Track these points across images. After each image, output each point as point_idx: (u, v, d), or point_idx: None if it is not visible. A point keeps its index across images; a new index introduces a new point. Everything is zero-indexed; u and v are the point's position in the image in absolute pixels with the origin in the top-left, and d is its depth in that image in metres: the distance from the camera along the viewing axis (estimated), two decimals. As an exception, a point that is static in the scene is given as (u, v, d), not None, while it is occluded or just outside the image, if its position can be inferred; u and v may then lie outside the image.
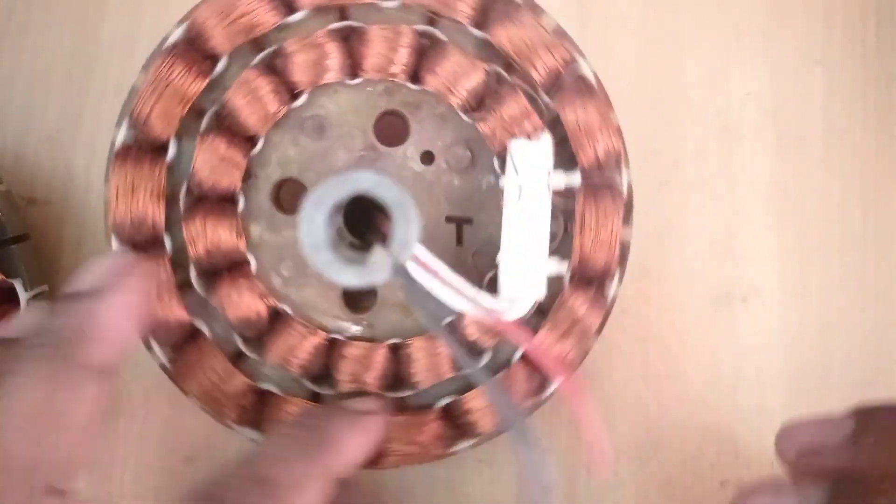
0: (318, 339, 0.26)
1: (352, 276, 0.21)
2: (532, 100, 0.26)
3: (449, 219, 0.27)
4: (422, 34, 0.26)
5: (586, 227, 0.26)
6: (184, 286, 0.26)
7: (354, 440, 0.23)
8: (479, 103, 0.26)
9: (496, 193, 0.26)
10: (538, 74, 0.26)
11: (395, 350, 0.26)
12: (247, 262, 0.26)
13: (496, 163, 0.26)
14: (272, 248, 0.27)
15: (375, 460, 0.26)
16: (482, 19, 0.26)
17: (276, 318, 0.26)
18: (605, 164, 0.26)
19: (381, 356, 0.26)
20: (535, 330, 0.26)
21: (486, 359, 0.26)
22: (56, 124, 0.30)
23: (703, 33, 0.32)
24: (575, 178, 0.25)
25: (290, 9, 0.26)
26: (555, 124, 0.26)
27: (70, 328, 0.20)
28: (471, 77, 0.26)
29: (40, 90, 0.30)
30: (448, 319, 0.26)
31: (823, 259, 0.31)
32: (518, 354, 0.26)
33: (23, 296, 0.27)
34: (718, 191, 0.31)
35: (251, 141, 0.26)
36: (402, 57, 0.26)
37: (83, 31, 0.31)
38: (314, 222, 0.20)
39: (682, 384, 0.30)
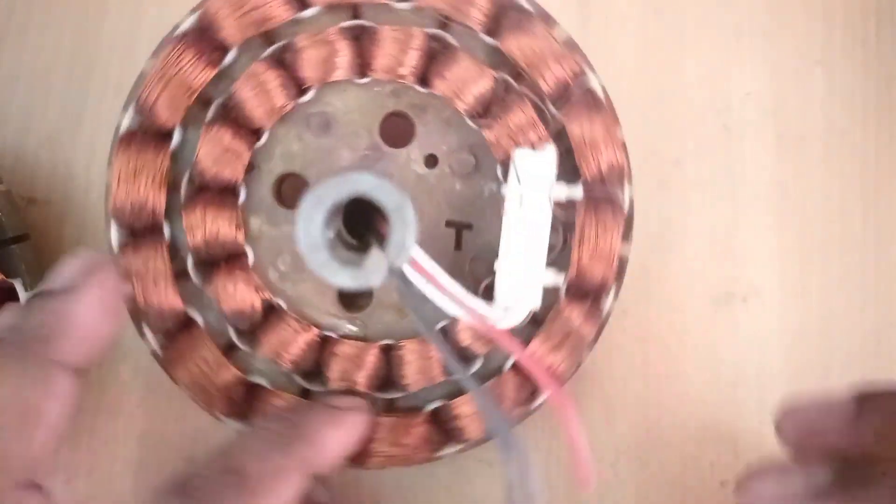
0: (311, 335, 0.26)
1: (347, 278, 0.21)
2: (539, 110, 0.26)
3: (449, 223, 0.27)
4: (433, 37, 0.26)
5: (585, 241, 0.26)
6: (180, 275, 0.26)
7: (334, 436, 0.23)
8: (486, 110, 0.26)
9: (497, 201, 0.26)
10: (546, 85, 0.26)
11: (387, 351, 0.26)
12: (244, 255, 0.26)
13: (499, 170, 0.26)
14: (270, 242, 0.27)
15: (360, 460, 0.26)
16: (494, 26, 0.26)
17: (271, 312, 0.26)
18: (608, 178, 0.26)
19: (372, 356, 0.26)
20: (528, 340, 0.26)
21: (477, 365, 0.26)
22: (56, 124, 0.30)
23: (703, 33, 0.32)
24: (577, 191, 0.25)
25: (303, 4, 0.26)
26: (560, 136, 0.26)
27: (42, 326, 0.20)
28: (479, 83, 0.26)
29: (40, 90, 0.30)
30: (441, 324, 0.26)
31: (823, 259, 0.31)
32: (509, 363, 0.26)
33: (23, 296, 0.27)
34: (719, 191, 0.31)
35: (256, 133, 0.26)
36: (412, 59, 0.26)
37: (83, 31, 0.31)
38: (312, 221, 0.20)
39: (682, 384, 0.30)
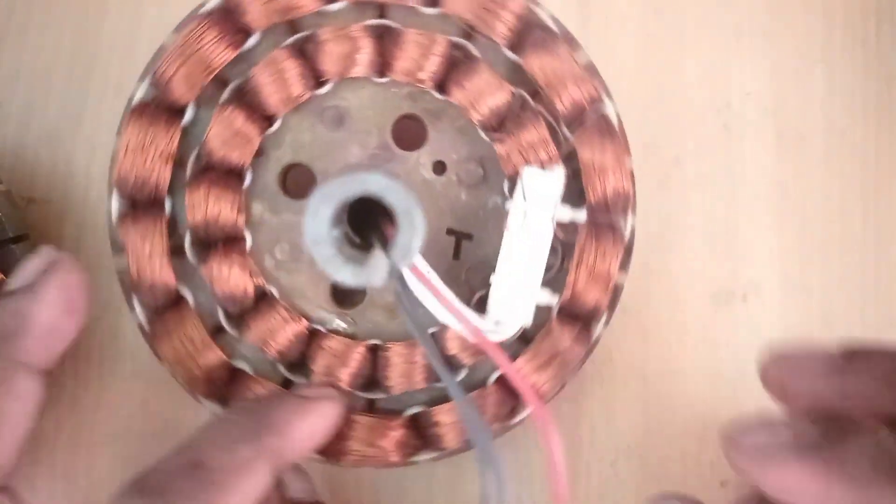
0: (299, 326, 0.26)
1: (349, 275, 0.21)
2: (552, 130, 0.26)
3: (450, 231, 0.27)
4: (455, 46, 0.26)
5: (583, 264, 0.26)
6: (176, 252, 0.26)
7: (303, 425, 0.23)
8: (500, 124, 0.26)
9: (500, 215, 0.27)
10: (563, 106, 0.26)
11: (374, 351, 0.26)
12: (243, 239, 0.26)
13: (506, 185, 0.26)
14: (270, 229, 0.27)
15: (335, 456, 0.25)
16: (517, 43, 0.26)
17: (262, 299, 0.26)
18: (613, 205, 0.26)
19: (358, 354, 0.26)
20: (515, 356, 0.26)
21: (461, 375, 0.26)
22: (56, 124, 0.30)
23: (703, 33, 0.32)
24: (580, 214, 0.25)
25: (331, -2, 0.26)
26: (570, 158, 0.26)
27: (1, 326, 0.20)
28: (496, 96, 0.26)
29: (40, 90, 0.30)
30: (431, 331, 0.26)
31: (824, 258, 0.31)
32: (494, 377, 0.26)
33: None
34: (719, 190, 0.31)
35: (269, 120, 0.26)
36: (433, 64, 0.26)
37: (83, 31, 0.31)
38: (319, 216, 0.20)
39: (682, 383, 0.30)
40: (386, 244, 0.21)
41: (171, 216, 0.26)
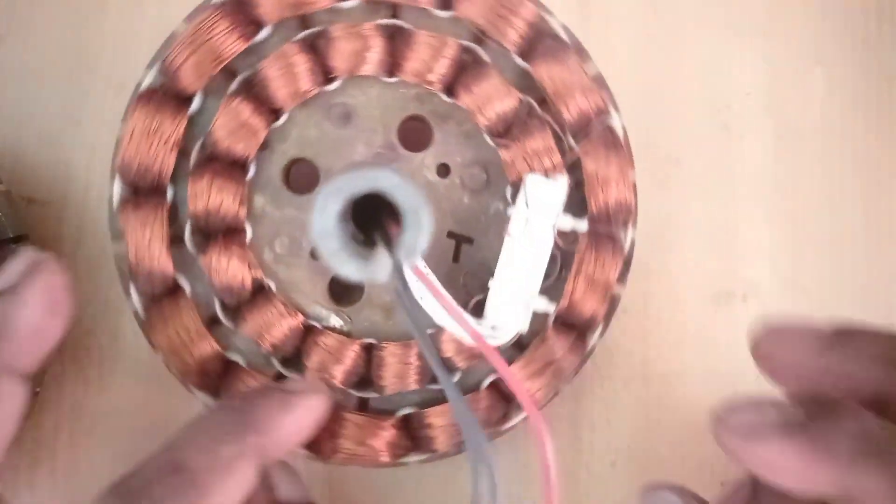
0: (295, 321, 0.26)
1: (354, 270, 0.21)
2: (558, 139, 0.26)
3: (450, 234, 0.27)
4: (466, 50, 0.26)
5: (581, 274, 0.26)
6: (175, 240, 0.26)
7: (287, 421, 0.22)
8: (506, 130, 0.26)
9: (501, 220, 0.27)
10: (569, 116, 0.26)
11: (369, 350, 0.26)
12: (243, 231, 0.26)
13: (508, 191, 0.26)
14: (271, 223, 0.26)
15: (324, 452, 0.25)
16: (528, 50, 0.26)
17: (259, 292, 0.26)
18: (614, 217, 0.26)
19: (353, 352, 0.26)
20: (510, 362, 0.26)
21: (455, 379, 0.26)
22: (56, 124, 0.30)
23: (702, 33, 0.32)
24: (582, 224, 0.26)
25: (345, -5, 0.26)
26: (574, 168, 0.26)
27: None
28: (504, 102, 0.26)
29: (40, 90, 0.30)
30: (428, 331, 0.26)
31: (823, 258, 0.31)
32: (486, 382, 0.26)
33: None
34: (718, 189, 0.31)
35: (275, 113, 0.26)
36: (443, 67, 0.26)
37: (83, 31, 0.30)
38: (327, 210, 0.20)
39: (682, 384, 0.30)
40: (389, 242, 0.21)
41: (172, 204, 0.26)
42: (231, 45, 0.25)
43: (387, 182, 0.20)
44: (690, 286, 0.30)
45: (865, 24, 0.32)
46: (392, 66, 0.26)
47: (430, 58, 0.26)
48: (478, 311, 0.25)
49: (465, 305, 0.26)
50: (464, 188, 0.27)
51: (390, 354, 0.26)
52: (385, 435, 0.26)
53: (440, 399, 0.27)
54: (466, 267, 0.27)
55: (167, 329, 0.25)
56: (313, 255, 0.27)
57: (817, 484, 0.17)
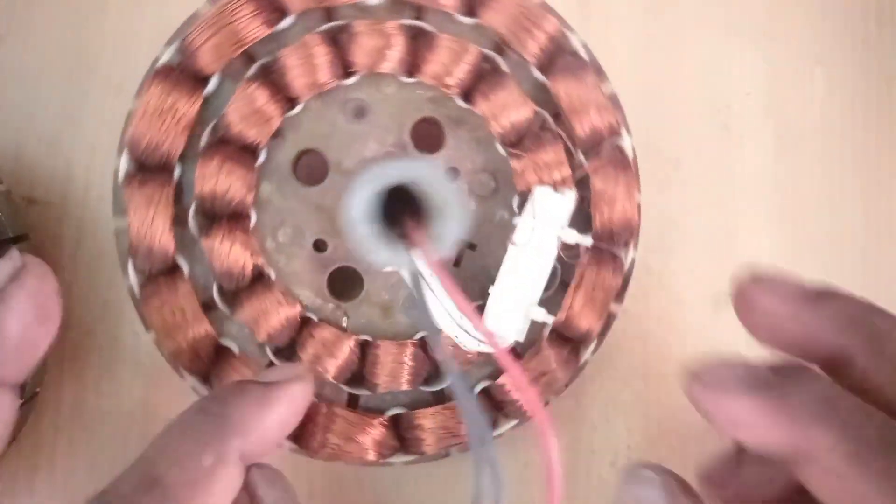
0: (293, 311, 0.26)
1: (381, 257, 0.20)
2: (568, 154, 0.26)
3: (454, 238, 0.27)
4: (486, 58, 0.26)
5: (581, 289, 0.26)
6: (178, 221, 0.26)
7: (270, 416, 0.21)
8: (519, 140, 0.26)
9: (505, 229, 0.27)
10: (582, 132, 0.26)
11: (364, 347, 0.26)
12: (247, 217, 0.26)
13: (515, 201, 0.27)
14: (276, 211, 0.26)
15: (310, 447, 0.25)
16: (547, 64, 0.26)
17: (259, 280, 0.26)
18: (617, 236, 0.26)
19: (348, 347, 0.26)
20: (502, 371, 0.26)
21: (447, 383, 0.26)
22: (56, 124, 0.30)
23: (702, 33, 0.32)
24: (586, 240, 0.26)
25: (371, -8, 0.26)
26: (581, 183, 0.27)
27: None
28: (519, 112, 0.26)
29: (40, 90, 0.30)
30: (421, 335, 0.26)
31: (823, 258, 0.31)
32: (478, 388, 0.26)
33: None
34: (718, 190, 0.31)
35: (291, 102, 0.26)
36: (462, 72, 0.26)
37: (83, 31, 0.30)
38: (363, 195, 0.19)
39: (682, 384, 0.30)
40: (409, 236, 0.21)
41: (178, 183, 0.26)
42: (253, 30, 0.25)
43: (428, 173, 0.20)
44: (690, 286, 0.31)
45: (865, 25, 0.32)
46: (412, 66, 0.26)
47: (451, 62, 0.26)
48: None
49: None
50: (471, 194, 0.27)
51: (385, 353, 0.26)
52: (374, 433, 0.26)
53: (429, 401, 0.27)
54: (467, 272, 0.27)
55: (162, 309, 0.25)
56: (316, 246, 0.26)
57: (775, 441, 0.18)
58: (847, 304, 0.20)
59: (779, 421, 0.18)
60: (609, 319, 0.27)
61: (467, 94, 0.26)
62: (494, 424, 0.26)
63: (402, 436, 0.26)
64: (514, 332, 0.25)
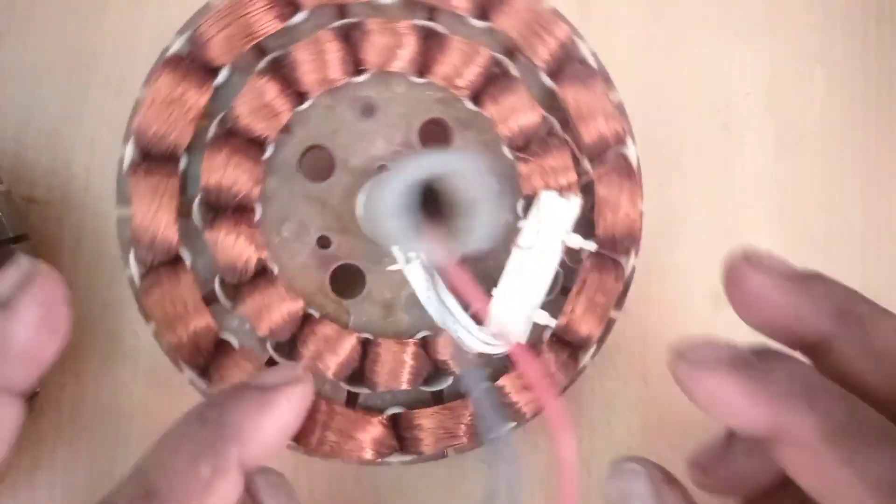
0: (295, 306, 0.26)
1: (411, 247, 0.20)
2: (575, 160, 0.27)
3: (458, 240, 0.27)
4: (496, 62, 0.26)
5: (583, 295, 0.26)
6: (182, 212, 0.25)
7: (269, 422, 0.21)
8: (526, 144, 0.26)
9: (510, 232, 0.27)
10: (589, 139, 0.26)
11: (364, 345, 0.26)
12: (253, 210, 0.26)
13: (520, 205, 0.27)
14: (281, 205, 0.26)
15: (308, 444, 0.25)
16: (556, 70, 0.26)
17: (261, 274, 0.26)
18: (620, 243, 0.27)
19: (350, 344, 0.26)
20: (503, 372, 0.26)
21: (446, 384, 0.26)
22: (56, 124, 0.29)
23: (702, 33, 0.32)
24: (590, 245, 0.26)
25: (384, -9, 0.26)
26: (586, 189, 0.27)
27: None
28: (528, 116, 0.26)
29: (40, 89, 0.29)
30: (423, 334, 0.26)
31: (823, 258, 0.31)
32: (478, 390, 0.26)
33: None
34: (718, 190, 0.31)
35: (301, 97, 0.26)
36: (472, 74, 0.26)
37: (83, 30, 0.30)
38: (395, 189, 0.19)
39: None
40: (427, 235, 0.20)
41: (184, 174, 0.25)
42: (266, 23, 0.25)
43: (465, 167, 0.19)
44: (691, 286, 0.31)
45: (865, 25, 0.32)
46: (422, 66, 0.26)
47: (462, 63, 0.26)
48: (475, 319, 0.26)
49: (464, 310, 0.26)
50: (476, 196, 0.27)
51: (386, 351, 0.26)
52: (373, 431, 0.25)
53: (428, 401, 0.27)
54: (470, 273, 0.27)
55: (163, 300, 0.25)
56: (319, 243, 0.26)
57: (754, 420, 0.18)
58: (834, 289, 0.20)
59: (758, 400, 0.18)
60: (609, 326, 0.27)
61: (476, 97, 0.26)
62: (492, 428, 0.26)
63: (400, 435, 0.26)
64: (516, 333, 0.25)
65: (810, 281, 0.20)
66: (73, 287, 0.28)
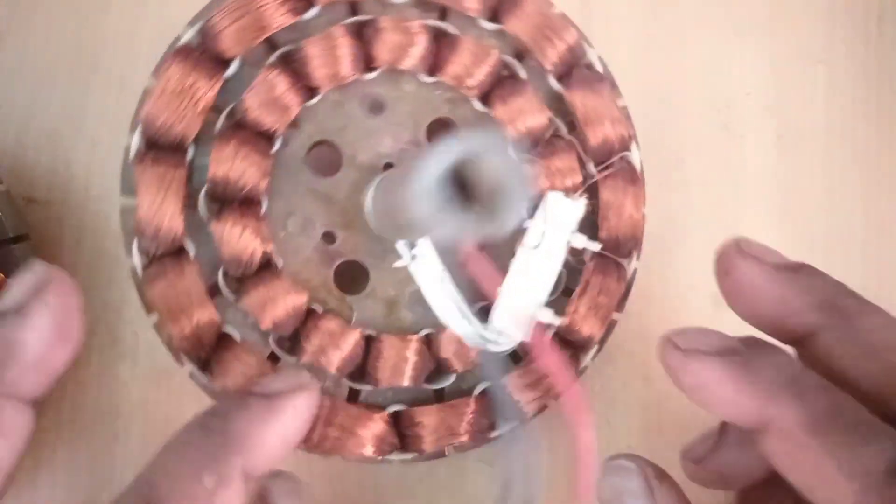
0: (300, 299, 0.25)
1: (445, 230, 0.20)
2: (581, 162, 0.27)
3: (462, 239, 0.27)
4: (506, 64, 0.27)
5: (586, 296, 0.27)
6: (187, 204, 0.25)
7: (274, 431, 0.20)
8: (533, 146, 0.27)
9: (514, 231, 0.27)
10: (595, 142, 0.27)
11: (367, 341, 0.26)
12: (259, 203, 0.25)
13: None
14: (287, 199, 0.26)
15: (310, 439, 0.25)
16: (565, 75, 0.27)
17: (266, 268, 0.26)
18: (623, 245, 0.27)
19: (353, 340, 0.26)
20: (504, 371, 0.26)
21: (450, 381, 0.26)
22: (57, 123, 0.29)
23: (703, 33, 0.32)
24: (595, 245, 0.26)
25: (397, -10, 0.26)
26: (590, 191, 0.27)
27: None
28: (535, 117, 0.27)
29: (41, 89, 0.29)
30: (426, 331, 0.26)
31: (825, 258, 0.31)
32: (479, 389, 0.26)
33: None
34: (720, 189, 0.31)
35: (311, 92, 0.26)
36: (482, 74, 0.26)
37: (85, 30, 0.30)
38: (429, 172, 0.19)
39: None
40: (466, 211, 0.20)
41: (190, 165, 0.25)
42: (279, 17, 0.25)
43: (503, 154, 0.19)
44: (691, 286, 0.31)
45: (866, 24, 0.33)
46: (433, 65, 0.26)
47: (472, 64, 0.26)
48: (480, 316, 0.26)
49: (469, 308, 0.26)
50: (482, 196, 0.27)
51: (389, 347, 0.26)
52: (374, 427, 0.25)
53: (429, 399, 0.27)
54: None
55: (166, 292, 0.25)
56: (325, 238, 0.26)
57: (739, 408, 0.19)
58: (821, 281, 0.21)
59: (744, 389, 0.19)
60: (610, 327, 0.27)
61: (485, 98, 0.27)
62: (492, 426, 0.26)
63: (401, 433, 0.26)
64: (521, 332, 0.25)
65: (799, 272, 0.21)
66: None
